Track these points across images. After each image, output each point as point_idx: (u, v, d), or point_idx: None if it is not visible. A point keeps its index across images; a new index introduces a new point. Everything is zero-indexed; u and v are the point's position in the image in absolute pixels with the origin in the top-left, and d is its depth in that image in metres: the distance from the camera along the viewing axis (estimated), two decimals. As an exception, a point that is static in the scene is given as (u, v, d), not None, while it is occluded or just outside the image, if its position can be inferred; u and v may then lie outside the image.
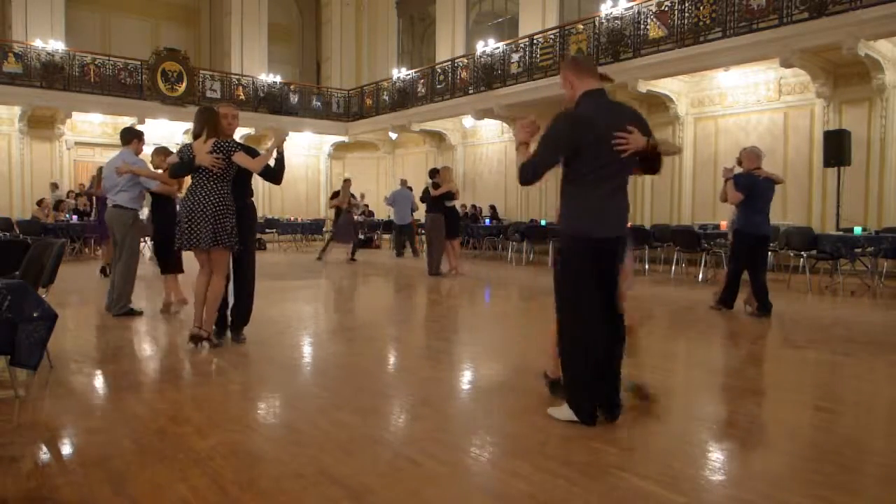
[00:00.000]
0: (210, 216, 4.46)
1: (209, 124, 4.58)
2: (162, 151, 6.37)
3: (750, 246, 6.36)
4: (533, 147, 3.12)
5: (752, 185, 6.21)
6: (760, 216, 6.34)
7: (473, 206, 17.20)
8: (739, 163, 6.55)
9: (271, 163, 4.80)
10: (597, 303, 3.02)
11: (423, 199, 10.78)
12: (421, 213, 12.87)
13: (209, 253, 4.59)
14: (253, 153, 4.76)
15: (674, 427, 3.13)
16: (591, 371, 3.01)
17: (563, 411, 3.08)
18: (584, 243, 3.04)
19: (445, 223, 10.22)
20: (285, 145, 4.91)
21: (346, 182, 13.16)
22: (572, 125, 3.03)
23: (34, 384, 3.61)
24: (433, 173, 10.73)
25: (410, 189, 14.47)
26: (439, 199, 10.23)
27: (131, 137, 6.24)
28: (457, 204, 11.12)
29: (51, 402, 3.35)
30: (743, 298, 6.70)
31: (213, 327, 4.76)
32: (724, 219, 9.36)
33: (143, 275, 8.11)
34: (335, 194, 13.05)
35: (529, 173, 3.07)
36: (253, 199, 5.03)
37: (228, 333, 4.94)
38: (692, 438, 2.95)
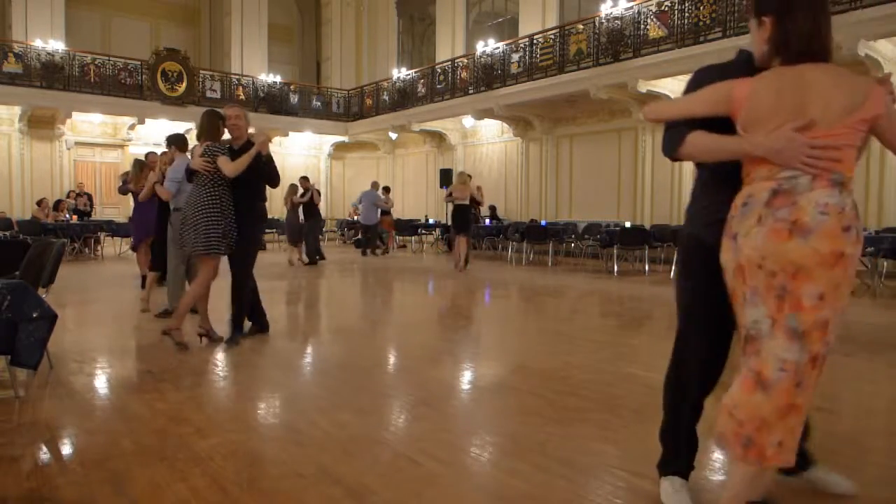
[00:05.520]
0: (193, 222, 4.53)
1: (204, 127, 4.70)
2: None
3: None
4: None
5: None
6: None
7: (473, 207, 17.27)
8: None
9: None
10: None
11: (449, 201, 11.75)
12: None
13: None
14: (236, 154, 4.72)
15: (674, 427, 3.12)
16: None
17: None
18: None
19: (456, 220, 11.10)
20: (273, 147, 4.99)
21: (306, 180, 13.07)
22: None
23: (34, 384, 3.61)
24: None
25: (386, 190, 15.63)
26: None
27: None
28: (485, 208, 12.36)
29: (51, 402, 3.35)
30: None
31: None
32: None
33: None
34: (295, 190, 12.36)
35: None
36: (265, 203, 5.11)
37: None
38: (692, 438, 2.95)
